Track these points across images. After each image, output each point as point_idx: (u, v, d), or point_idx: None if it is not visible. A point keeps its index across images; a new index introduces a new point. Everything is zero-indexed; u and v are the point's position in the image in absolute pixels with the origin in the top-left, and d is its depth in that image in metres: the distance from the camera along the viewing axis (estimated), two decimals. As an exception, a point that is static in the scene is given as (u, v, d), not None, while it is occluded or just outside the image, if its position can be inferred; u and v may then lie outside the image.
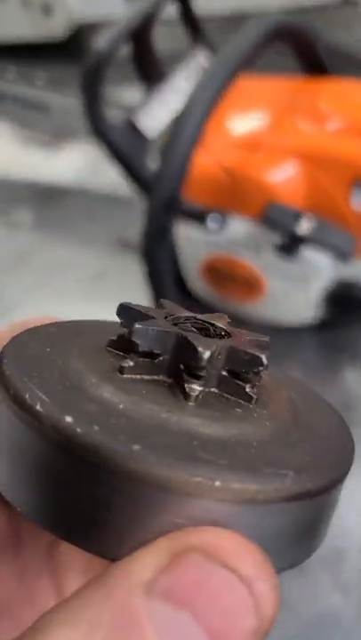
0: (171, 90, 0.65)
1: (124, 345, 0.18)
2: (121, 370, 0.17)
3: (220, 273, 0.59)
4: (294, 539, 0.17)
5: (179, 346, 0.18)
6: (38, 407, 0.15)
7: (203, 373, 0.17)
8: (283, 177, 0.54)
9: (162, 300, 0.20)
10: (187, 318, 0.19)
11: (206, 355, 0.17)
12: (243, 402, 0.18)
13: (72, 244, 0.73)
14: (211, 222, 0.56)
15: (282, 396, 0.19)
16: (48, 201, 0.80)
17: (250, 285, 0.58)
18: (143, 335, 0.17)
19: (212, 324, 0.19)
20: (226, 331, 0.19)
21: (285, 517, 0.16)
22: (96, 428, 0.15)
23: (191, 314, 0.19)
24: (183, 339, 0.17)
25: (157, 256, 0.55)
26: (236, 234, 0.56)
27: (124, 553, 0.15)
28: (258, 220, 0.54)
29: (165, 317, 0.19)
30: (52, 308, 0.64)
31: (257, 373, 0.18)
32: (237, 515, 0.15)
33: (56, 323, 0.20)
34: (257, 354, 0.18)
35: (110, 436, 0.15)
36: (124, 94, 0.83)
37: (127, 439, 0.15)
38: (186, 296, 0.61)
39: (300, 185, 0.54)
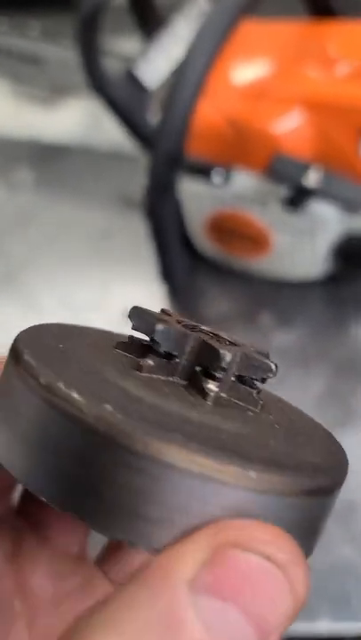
0: (171, 38, 0.63)
1: (135, 347, 0.20)
2: (139, 368, 0.19)
3: (225, 229, 0.58)
4: (304, 534, 0.17)
5: (198, 349, 0.19)
6: (75, 396, 0.16)
7: (220, 375, 0.19)
8: (289, 127, 0.53)
9: (163, 308, 0.21)
10: (193, 327, 0.20)
11: (228, 357, 0.18)
12: (250, 407, 0.19)
13: (75, 203, 0.71)
14: (215, 176, 0.54)
15: (277, 406, 0.21)
16: (48, 159, 0.79)
17: (256, 241, 0.57)
18: (165, 336, 0.19)
19: (216, 334, 0.21)
20: (230, 341, 0.20)
21: (302, 512, 0.17)
22: (134, 417, 0.16)
23: (195, 323, 0.21)
24: (203, 342, 0.19)
25: (161, 213, 0.54)
26: (241, 188, 0.55)
27: (162, 542, 0.15)
28: (263, 173, 0.53)
29: (178, 322, 0.20)
30: (59, 270, 0.63)
31: (264, 380, 0.20)
32: (266, 505, 0.16)
33: (58, 324, 0.21)
34: (267, 361, 0.19)
35: (149, 425, 0.16)
36: (121, 44, 0.80)
37: (163, 429, 0.16)
38: (191, 253, 0.60)
39: (308, 135, 0.52)
